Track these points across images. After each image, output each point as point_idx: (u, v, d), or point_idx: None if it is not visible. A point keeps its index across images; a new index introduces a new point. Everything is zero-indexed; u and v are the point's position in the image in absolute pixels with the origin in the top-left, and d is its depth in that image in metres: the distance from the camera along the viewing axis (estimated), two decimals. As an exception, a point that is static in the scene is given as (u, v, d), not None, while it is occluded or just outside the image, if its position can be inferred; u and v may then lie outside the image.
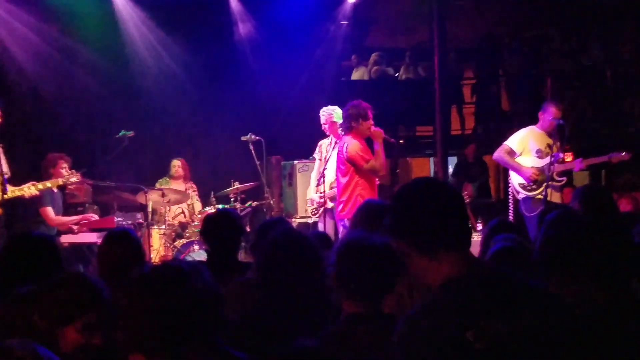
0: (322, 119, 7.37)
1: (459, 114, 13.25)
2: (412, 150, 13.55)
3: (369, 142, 6.64)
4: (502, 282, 1.97)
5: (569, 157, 7.14)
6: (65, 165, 7.40)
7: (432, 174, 13.07)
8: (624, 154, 6.92)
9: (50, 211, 7.25)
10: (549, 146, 6.93)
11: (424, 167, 15.42)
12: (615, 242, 2.27)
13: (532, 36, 12.66)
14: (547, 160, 6.90)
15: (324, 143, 7.60)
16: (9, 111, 8.70)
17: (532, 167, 6.93)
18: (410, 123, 13.51)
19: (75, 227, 7.42)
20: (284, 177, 9.21)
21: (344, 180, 6.61)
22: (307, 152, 7.98)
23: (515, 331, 1.86)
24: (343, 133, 6.77)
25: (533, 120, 7.30)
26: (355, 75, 12.92)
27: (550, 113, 6.96)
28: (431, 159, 13.07)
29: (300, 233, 3.16)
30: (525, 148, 7.02)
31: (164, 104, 9.88)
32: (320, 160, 7.61)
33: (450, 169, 12.38)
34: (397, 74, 13.36)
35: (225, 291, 2.77)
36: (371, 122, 6.53)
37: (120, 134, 8.26)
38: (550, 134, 7.01)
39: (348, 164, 6.52)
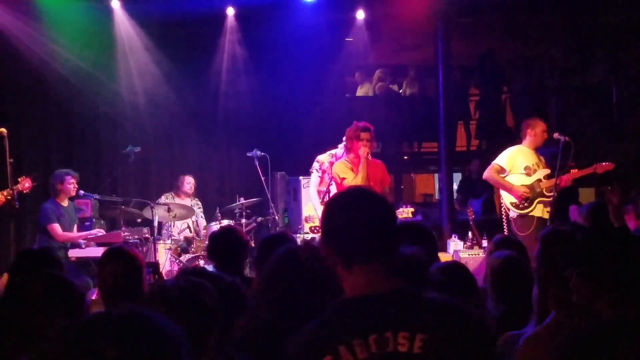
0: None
1: (465, 130, 13.30)
2: (417, 166, 13.57)
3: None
4: (398, 306, 1.86)
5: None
6: (72, 181, 7.49)
7: (436, 190, 13.03)
8: (607, 163, 6.99)
9: (57, 227, 7.33)
10: (537, 164, 7.01)
11: (429, 182, 15.43)
12: (628, 255, 2.17)
13: (535, 54, 12.72)
14: (535, 177, 6.95)
15: (325, 160, 7.62)
16: (16, 126, 8.85)
17: (522, 185, 6.95)
18: (416, 139, 13.55)
19: (82, 242, 7.52)
20: (288, 193, 9.26)
21: None
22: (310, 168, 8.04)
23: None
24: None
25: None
26: (360, 91, 12.98)
27: (540, 126, 7.06)
28: (436, 175, 13.09)
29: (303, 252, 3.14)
30: (514, 165, 7.05)
31: (169, 120, 9.96)
32: (319, 177, 7.64)
33: (456, 185, 12.41)
34: (400, 90, 13.42)
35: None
36: (363, 143, 6.62)
37: (127, 149, 8.37)
38: (538, 150, 7.11)
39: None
